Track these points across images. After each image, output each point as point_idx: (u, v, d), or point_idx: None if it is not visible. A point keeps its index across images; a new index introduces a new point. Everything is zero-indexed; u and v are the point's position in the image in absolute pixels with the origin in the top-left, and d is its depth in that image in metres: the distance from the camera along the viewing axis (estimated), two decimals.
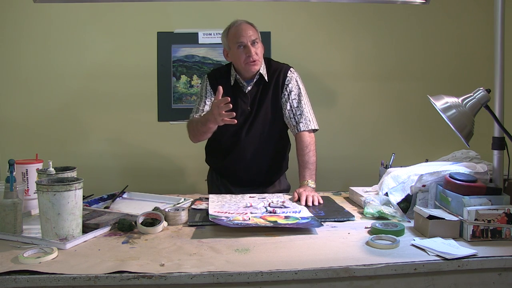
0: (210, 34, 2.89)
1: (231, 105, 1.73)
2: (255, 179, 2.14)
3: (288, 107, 2.06)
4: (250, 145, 2.09)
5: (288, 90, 2.07)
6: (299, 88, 2.09)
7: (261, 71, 2.07)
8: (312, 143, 2.05)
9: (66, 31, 2.83)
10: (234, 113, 1.75)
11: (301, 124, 2.05)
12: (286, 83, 2.07)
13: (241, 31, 1.99)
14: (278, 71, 2.09)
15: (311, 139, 2.05)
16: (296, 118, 2.06)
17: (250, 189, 2.08)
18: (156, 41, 2.89)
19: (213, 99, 1.98)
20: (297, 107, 2.06)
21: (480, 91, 1.55)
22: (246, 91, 2.08)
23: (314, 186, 1.98)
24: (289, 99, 2.07)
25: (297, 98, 2.07)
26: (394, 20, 2.97)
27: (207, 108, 2.05)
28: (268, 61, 2.14)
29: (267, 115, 2.08)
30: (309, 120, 2.06)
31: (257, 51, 1.99)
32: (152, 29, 2.88)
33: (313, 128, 2.07)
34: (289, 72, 2.09)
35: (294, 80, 2.08)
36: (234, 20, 2.05)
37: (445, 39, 2.99)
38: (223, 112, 1.74)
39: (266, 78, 2.07)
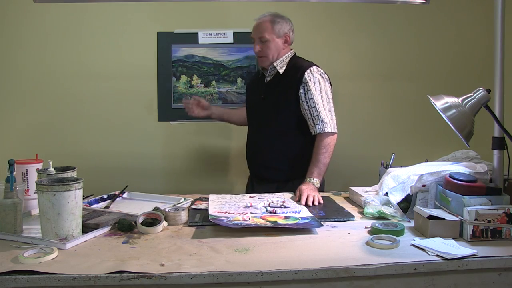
0: (210, 34, 2.89)
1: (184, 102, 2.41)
2: (270, 175, 2.17)
3: (306, 107, 2.07)
4: (262, 135, 2.19)
5: (305, 89, 2.07)
6: (318, 89, 2.07)
7: (275, 64, 2.15)
8: (331, 145, 2.04)
9: (66, 31, 2.83)
10: (185, 103, 2.40)
11: (317, 126, 2.04)
12: (303, 81, 2.08)
13: (254, 27, 2.19)
14: (297, 69, 2.11)
15: (331, 141, 2.04)
16: (313, 119, 2.06)
17: (269, 187, 2.09)
18: (156, 41, 2.89)
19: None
20: (314, 107, 2.05)
21: (480, 91, 1.55)
22: (265, 81, 2.21)
23: (318, 185, 1.98)
24: (305, 98, 2.07)
25: (313, 98, 2.05)
26: (393, 20, 2.96)
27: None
28: (296, 59, 2.20)
29: (278, 108, 2.12)
30: (326, 122, 2.04)
31: (264, 47, 2.14)
32: (152, 29, 2.87)
33: (329, 131, 2.03)
34: (307, 71, 2.09)
35: (311, 81, 2.07)
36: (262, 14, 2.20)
37: (445, 39, 2.99)
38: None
39: (280, 71, 2.14)
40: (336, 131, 2.07)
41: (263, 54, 2.14)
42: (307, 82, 2.07)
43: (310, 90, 2.06)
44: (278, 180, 2.15)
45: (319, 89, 2.07)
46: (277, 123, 2.14)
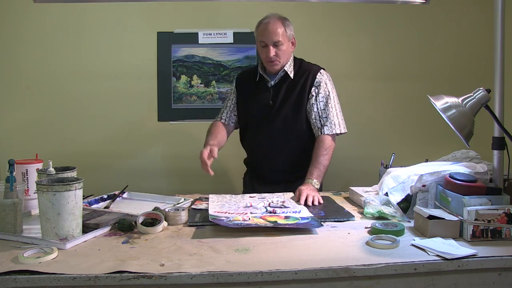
0: (210, 34, 2.89)
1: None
2: (278, 177, 2.16)
3: (315, 109, 2.07)
4: (272, 140, 2.13)
5: (316, 92, 2.08)
6: (328, 91, 2.09)
7: (286, 69, 2.11)
8: (331, 148, 2.06)
9: (66, 31, 2.83)
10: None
11: (325, 128, 2.06)
12: (314, 84, 2.08)
13: (265, 30, 2.05)
14: (307, 72, 2.11)
15: (331, 144, 2.06)
16: (322, 121, 2.07)
17: (274, 188, 2.07)
18: (156, 41, 2.89)
19: (235, 100, 2.22)
20: (324, 109, 2.07)
21: (480, 91, 1.55)
22: (269, 86, 2.13)
23: (317, 186, 1.98)
24: (316, 101, 2.07)
25: (324, 101, 2.07)
26: (393, 20, 2.96)
27: (228, 109, 2.23)
28: (300, 61, 2.17)
29: (289, 112, 2.09)
30: (335, 124, 2.07)
31: (279, 52, 2.05)
32: (152, 29, 2.88)
33: (338, 132, 2.08)
34: (318, 74, 2.10)
35: (323, 83, 2.09)
36: (266, 15, 2.10)
37: (445, 39, 2.99)
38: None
39: (291, 76, 2.10)
40: (346, 131, 2.11)
41: (278, 58, 2.06)
42: (319, 85, 2.08)
43: (321, 92, 2.08)
44: (285, 181, 2.15)
45: (328, 91, 2.09)
46: (288, 127, 2.11)
